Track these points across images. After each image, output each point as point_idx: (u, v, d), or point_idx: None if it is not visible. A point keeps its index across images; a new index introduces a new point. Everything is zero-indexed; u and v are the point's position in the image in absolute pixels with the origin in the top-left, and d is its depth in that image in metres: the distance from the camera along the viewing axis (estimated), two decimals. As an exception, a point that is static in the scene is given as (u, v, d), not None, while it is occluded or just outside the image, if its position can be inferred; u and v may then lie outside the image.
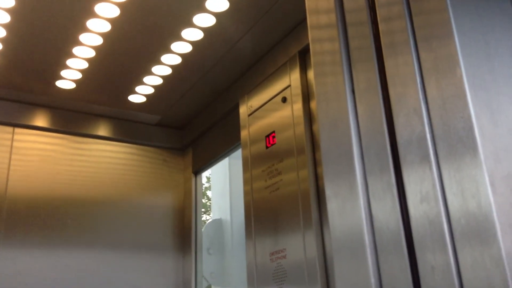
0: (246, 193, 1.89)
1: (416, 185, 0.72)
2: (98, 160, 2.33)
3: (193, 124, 2.46)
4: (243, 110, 2.02)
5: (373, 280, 0.76)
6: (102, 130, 2.39)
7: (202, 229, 2.92)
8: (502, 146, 0.66)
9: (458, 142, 0.66)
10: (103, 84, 2.09)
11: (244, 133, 1.97)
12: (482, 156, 0.63)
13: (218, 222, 3.10)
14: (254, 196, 1.84)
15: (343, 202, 0.84)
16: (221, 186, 3.19)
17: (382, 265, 0.77)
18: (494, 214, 0.61)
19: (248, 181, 1.89)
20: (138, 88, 2.12)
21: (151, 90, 2.14)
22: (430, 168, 0.70)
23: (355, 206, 0.81)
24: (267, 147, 1.84)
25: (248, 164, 1.91)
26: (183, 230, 2.45)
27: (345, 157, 0.84)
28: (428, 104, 0.72)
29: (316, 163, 1.61)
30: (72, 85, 2.09)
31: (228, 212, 3.01)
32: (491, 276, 0.61)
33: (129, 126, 2.44)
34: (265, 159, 1.82)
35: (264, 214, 1.78)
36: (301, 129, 1.66)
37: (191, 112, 2.37)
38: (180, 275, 2.38)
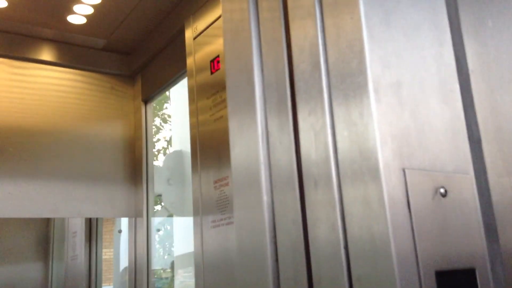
0: (192, 126, 1.81)
1: (307, 97, 0.65)
2: (41, 87, 2.21)
3: (140, 49, 2.34)
4: (188, 33, 1.90)
5: (265, 198, 0.71)
6: (45, 54, 2.25)
7: (162, 161, 2.87)
8: (394, 50, 0.59)
9: (346, 46, 0.59)
10: (38, 1, 1.93)
11: (189, 60, 1.87)
12: (367, 60, 0.56)
13: (178, 153, 3.06)
14: (200, 129, 1.78)
15: (242, 120, 0.78)
16: (181, 117, 3.12)
17: (275, 196, 0.72)
18: (375, 124, 0.55)
19: (193, 113, 1.81)
20: (76, 8, 1.98)
21: (90, 10, 1.99)
22: (320, 77, 0.63)
23: (252, 123, 0.75)
24: (212, 73, 1.75)
25: (193, 95, 1.82)
26: (134, 161, 2.39)
27: (245, 70, 0.77)
28: (322, 6, 0.64)
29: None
30: (4, 3, 1.93)
31: (188, 143, 2.97)
32: (367, 188, 0.56)
33: (74, 50, 2.30)
34: (210, 86, 1.74)
35: (209, 145, 1.73)
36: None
37: (137, 35, 2.23)
38: (132, 205, 2.35)
